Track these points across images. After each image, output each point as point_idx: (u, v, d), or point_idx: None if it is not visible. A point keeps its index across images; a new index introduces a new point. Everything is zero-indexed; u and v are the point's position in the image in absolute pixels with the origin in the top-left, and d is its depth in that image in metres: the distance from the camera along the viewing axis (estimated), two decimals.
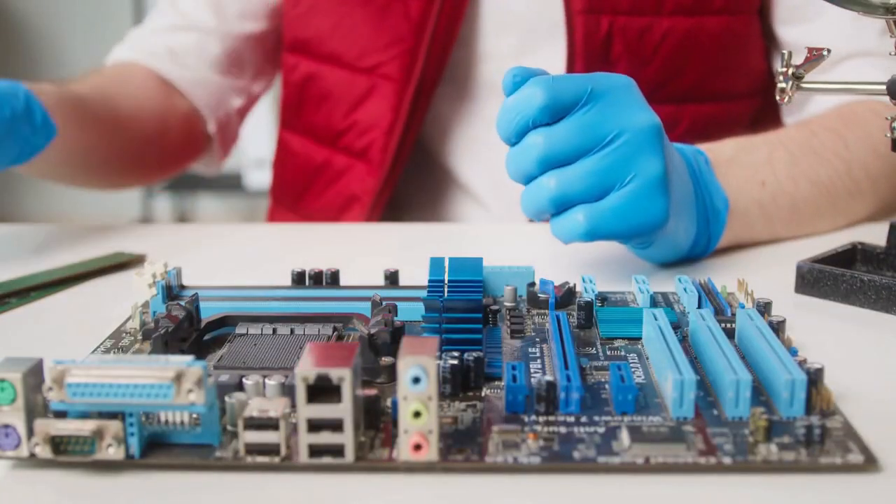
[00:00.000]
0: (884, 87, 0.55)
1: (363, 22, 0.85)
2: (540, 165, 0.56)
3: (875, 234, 0.64)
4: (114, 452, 0.38)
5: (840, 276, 0.58)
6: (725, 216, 0.65)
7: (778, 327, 0.49)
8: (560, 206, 0.56)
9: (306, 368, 0.37)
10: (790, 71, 0.57)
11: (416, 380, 0.37)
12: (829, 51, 0.57)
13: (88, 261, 0.67)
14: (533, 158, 0.55)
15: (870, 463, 0.38)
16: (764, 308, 0.53)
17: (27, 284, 0.62)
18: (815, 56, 0.57)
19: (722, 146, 0.70)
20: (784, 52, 0.57)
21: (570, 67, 0.81)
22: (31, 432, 0.38)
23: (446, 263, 0.55)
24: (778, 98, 0.58)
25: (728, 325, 0.50)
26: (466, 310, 0.48)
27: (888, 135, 0.57)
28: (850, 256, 0.62)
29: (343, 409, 0.37)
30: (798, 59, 0.57)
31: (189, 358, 0.38)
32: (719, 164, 0.67)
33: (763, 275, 0.61)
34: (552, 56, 0.82)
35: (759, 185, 0.68)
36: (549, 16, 0.82)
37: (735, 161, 0.68)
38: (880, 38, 0.80)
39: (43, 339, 0.54)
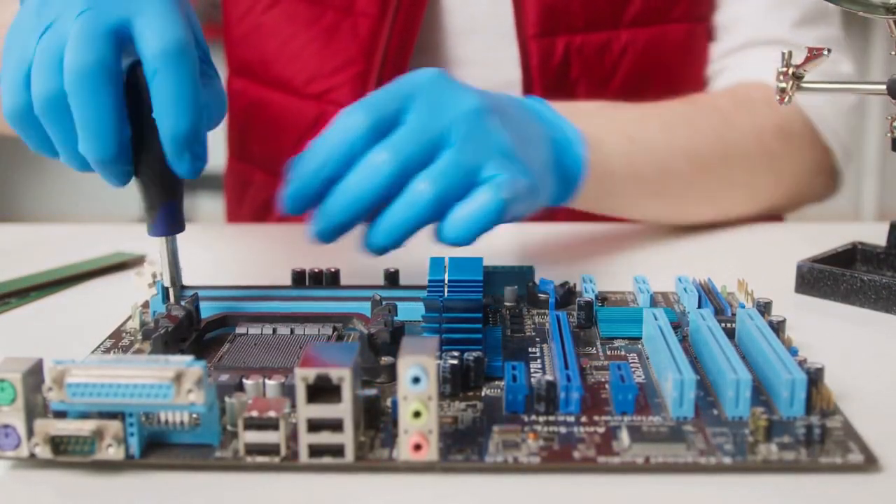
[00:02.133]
0: (884, 86, 0.55)
1: (310, 44, 0.82)
2: (397, 178, 0.51)
3: (875, 234, 0.64)
4: (114, 452, 0.38)
5: (840, 276, 0.58)
6: (581, 146, 0.61)
7: (778, 327, 0.49)
8: (439, 209, 0.51)
9: (306, 368, 0.37)
10: (790, 71, 0.57)
11: (416, 380, 0.37)
12: (829, 50, 0.57)
13: (88, 261, 0.67)
14: (386, 173, 0.50)
15: (870, 463, 0.38)
16: (764, 308, 0.53)
17: (27, 284, 0.62)
18: (815, 56, 0.57)
19: (581, 103, 0.66)
20: (784, 51, 0.57)
21: (528, 93, 0.78)
22: (30, 432, 0.38)
23: (446, 263, 0.55)
24: (777, 98, 0.58)
25: (728, 325, 0.50)
26: (466, 310, 0.48)
27: (889, 134, 0.57)
28: (850, 256, 0.62)
29: (343, 409, 0.37)
30: (798, 59, 0.57)
31: (189, 358, 0.38)
32: (576, 115, 0.63)
33: (763, 275, 0.61)
34: (512, 68, 0.80)
35: (625, 138, 0.65)
36: (502, 26, 0.79)
37: (598, 114, 0.65)
38: (794, 29, 0.79)
39: (43, 339, 0.54)
